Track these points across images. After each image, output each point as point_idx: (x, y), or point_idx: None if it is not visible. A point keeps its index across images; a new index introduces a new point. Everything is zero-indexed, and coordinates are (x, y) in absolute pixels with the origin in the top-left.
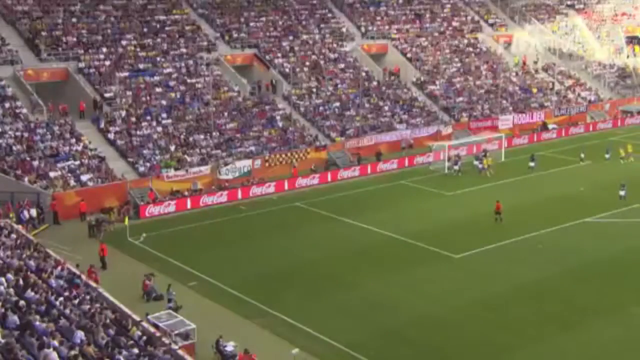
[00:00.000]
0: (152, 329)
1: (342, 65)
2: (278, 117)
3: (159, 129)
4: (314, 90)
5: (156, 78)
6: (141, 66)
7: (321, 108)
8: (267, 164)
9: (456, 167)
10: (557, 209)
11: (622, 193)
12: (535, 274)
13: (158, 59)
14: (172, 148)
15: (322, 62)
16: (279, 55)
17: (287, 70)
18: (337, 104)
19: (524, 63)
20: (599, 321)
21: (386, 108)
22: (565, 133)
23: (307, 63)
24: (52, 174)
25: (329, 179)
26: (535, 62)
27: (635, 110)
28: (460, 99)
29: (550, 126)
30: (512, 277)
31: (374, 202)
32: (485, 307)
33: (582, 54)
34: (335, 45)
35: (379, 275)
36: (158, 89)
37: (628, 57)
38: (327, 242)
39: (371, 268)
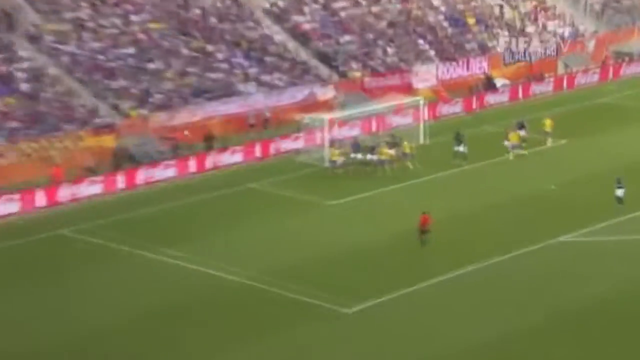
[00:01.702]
0: None
1: None
2: (20, 75)
3: None
4: (88, 23)
5: None
6: None
7: (102, 57)
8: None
9: (358, 156)
10: (514, 222)
11: (618, 193)
12: (491, 333)
13: None
14: None
15: None
16: None
17: None
18: (132, 49)
19: None
20: None
21: (220, 56)
22: (524, 94)
23: None
24: None
25: (123, 185)
26: None
27: (638, 50)
28: (348, 38)
29: (498, 83)
30: (450, 341)
31: (203, 222)
32: None
33: None
34: None
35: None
36: None
37: None
38: (115, 297)
39: (195, 344)
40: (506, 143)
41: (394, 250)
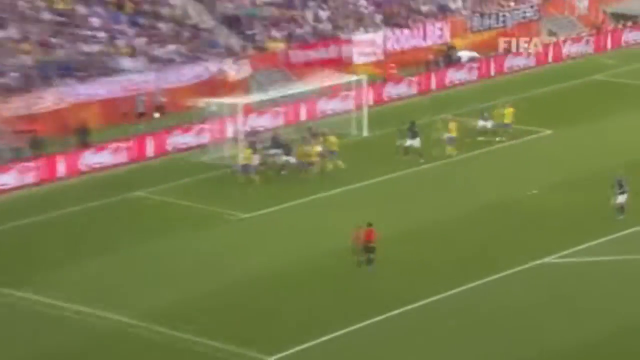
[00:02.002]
0: None
1: None
2: None
3: None
4: None
5: None
6: None
7: None
8: None
9: (284, 159)
10: (485, 238)
11: (619, 199)
12: None
13: None
14: None
15: None
16: None
17: None
18: None
19: None
20: None
21: (95, 22)
22: (497, 69)
23: None
24: None
25: None
26: None
27: None
28: None
29: (462, 55)
30: None
31: (72, 245)
32: None
33: None
34: None
35: None
36: None
37: None
38: None
39: None
40: (446, 136)
41: (324, 277)
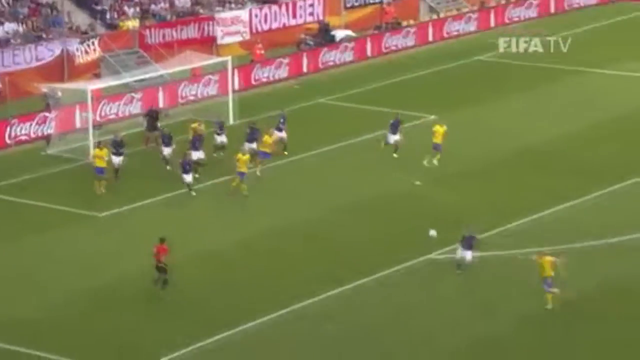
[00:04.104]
0: None
1: None
2: None
3: None
4: None
5: None
6: None
7: None
8: None
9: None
10: (366, 233)
11: (465, 256)
12: None
13: None
14: None
15: None
16: None
17: None
18: None
19: None
20: None
21: None
22: (375, 50)
23: None
24: None
25: None
26: None
27: None
28: None
29: (338, 35)
30: None
31: None
32: None
33: None
34: None
35: None
36: None
37: None
38: None
39: None
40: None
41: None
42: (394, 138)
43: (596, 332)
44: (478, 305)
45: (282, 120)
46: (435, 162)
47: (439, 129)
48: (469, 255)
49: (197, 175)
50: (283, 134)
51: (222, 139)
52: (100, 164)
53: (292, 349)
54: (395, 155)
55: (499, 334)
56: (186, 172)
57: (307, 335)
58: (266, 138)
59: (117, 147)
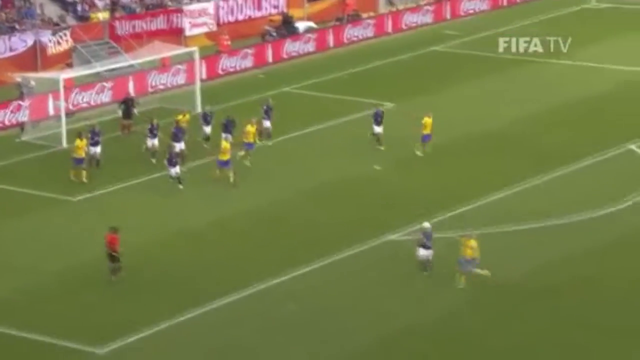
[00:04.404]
0: None
1: None
2: None
3: None
4: None
5: None
6: None
7: None
8: None
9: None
10: (325, 215)
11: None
12: None
13: None
14: None
15: None
16: None
17: None
18: None
19: None
20: None
21: None
22: (336, 41)
23: None
24: None
25: None
26: None
27: None
28: None
29: (301, 26)
30: None
31: None
32: None
33: None
34: None
35: None
36: None
37: None
38: None
39: None
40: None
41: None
42: (377, 129)
43: (541, 309)
44: (434, 283)
45: (266, 109)
46: (425, 150)
47: (428, 120)
48: (427, 253)
49: (184, 169)
50: (268, 124)
51: (208, 129)
52: (80, 154)
53: (256, 327)
54: (380, 147)
55: (456, 310)
56: (172, 165)
57: (270, 314)
58: (248, 128)
59: (94, 136)
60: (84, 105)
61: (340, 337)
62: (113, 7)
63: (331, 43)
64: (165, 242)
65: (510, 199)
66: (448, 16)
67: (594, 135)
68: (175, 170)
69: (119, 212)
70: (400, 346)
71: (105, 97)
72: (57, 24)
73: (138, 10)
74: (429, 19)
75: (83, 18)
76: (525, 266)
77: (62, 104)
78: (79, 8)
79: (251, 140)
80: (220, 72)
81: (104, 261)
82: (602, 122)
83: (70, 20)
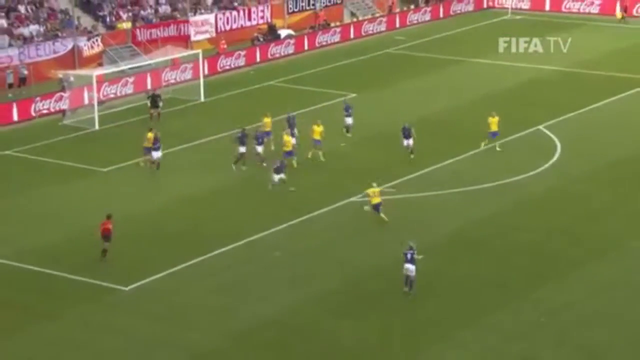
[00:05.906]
0: None
1: None
2: None
3: None
4: None
5: None
6: None
7: None
8: None
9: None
10: (297, 186)
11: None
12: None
13: None
14: None
15: None
16: None
17: None
18: None
19: None
20: None
21: None
22: (310, 45)
23: None
24: None
25: None
26: None
27: None
28: None
29: (283, 33)
30: None
31: None
32: None
33: None
34: None
35: None
36: None
37: None
38: None
39: None
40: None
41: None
42: (348, 121)
43: (473, 253)
44: (387, 235)
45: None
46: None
47: (493, 120)
48: (411, 268)
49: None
50: (350, 120)
51: (349, 120)
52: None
53: (250, 269)
54: (348, 134)
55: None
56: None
57: (260, 259)
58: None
59: (156, 142)
60: (112, 96)
61: (313, 278)
62: (134, 18)
63: (306, 46)
64: (174, 203)
65: (446, 168)
66: (398, 25)
67: (514, 119)
68: (280, 176)
69: (135, 180)
70: (362, 287)
71: (129, 89)
72: (90, 32)
73: (154, 20)
74: (383, 27)
75: (111, 27)
76: (460, 220)
77: (95, 95)
78: (107, 19)
79: (318, 137)
80: (219, 69)
81: (130, 219)
82: (519, 108)
83: (101, 29)
